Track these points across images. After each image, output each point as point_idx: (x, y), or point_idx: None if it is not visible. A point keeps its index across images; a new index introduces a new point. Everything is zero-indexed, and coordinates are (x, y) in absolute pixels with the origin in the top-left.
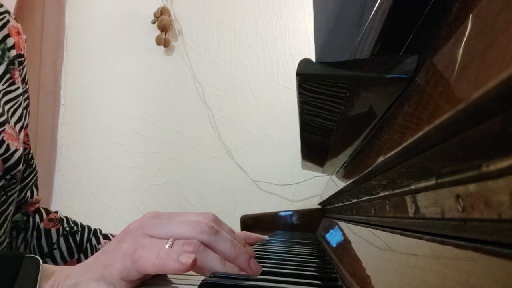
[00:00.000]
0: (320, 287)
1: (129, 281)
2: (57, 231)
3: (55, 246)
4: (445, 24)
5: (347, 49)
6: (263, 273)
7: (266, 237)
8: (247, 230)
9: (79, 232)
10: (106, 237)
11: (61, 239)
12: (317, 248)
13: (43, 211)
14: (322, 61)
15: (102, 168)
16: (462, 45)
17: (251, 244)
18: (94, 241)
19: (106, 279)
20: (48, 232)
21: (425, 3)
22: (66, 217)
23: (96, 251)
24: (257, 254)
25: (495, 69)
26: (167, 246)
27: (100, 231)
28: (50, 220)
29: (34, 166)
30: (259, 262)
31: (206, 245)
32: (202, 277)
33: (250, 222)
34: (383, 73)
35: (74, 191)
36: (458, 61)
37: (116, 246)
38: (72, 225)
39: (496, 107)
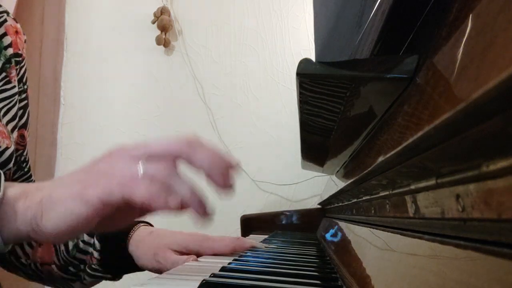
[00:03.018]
0: (320, 287)
1: (108, 204)
2: None
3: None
4: (445, 24)
5: (347, 49)
6: (263, 273)
7: (262, 245)
8: (247, 230)
9: None
10: None
11: None
12: (317, 248)
13: None
14: (322, 61)
15: None
16: (462, 45)
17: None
18: None
19: (83, 198)
20: None
21: (425, 3)
22: None
23: None
24: (257, 254)
25: (495, 69)
26: (141, 167)
27: None
28: None
29: (26, 169)
30: (258, 262)
31: (182, 158)
32: (202, 277)
33: (250, 222)
34: (383, 73)
35: None
36: (458, 61)
37: (95, 166)
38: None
39: (496, 107)
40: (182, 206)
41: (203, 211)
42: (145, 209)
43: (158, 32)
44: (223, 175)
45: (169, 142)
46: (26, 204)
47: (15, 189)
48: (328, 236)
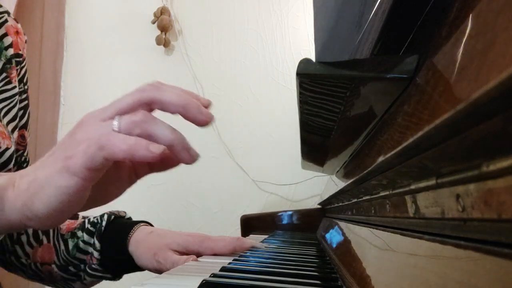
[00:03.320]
0: (320, 287)
1: (94, 169)
2: None
3: (22, 231)
4: (445, 24)
5: (347, 49)
6: (263, 273)
7: (262, 245)
8: (247, 230)
9: None
10: (73, 216)
11: None
12: (317, 248)
13: None
14: (322, 61)
15: None
16: (462, 45)
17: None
18: None
19: (69, 170)
20: None
21: (425, 3)
22: None
23: (58, 231)
24: (257, 254)
25: (495, 69)
26: (115, 122)
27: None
28: None
29: None
30: (258, 262)
31: (152, 103)
32: (202, 277)
33: (250, 222)
34: (383, 73)
35: None
36: (458, 61)
37: (71, 138)
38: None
39: (496, 107)
40: (165, 154)
41: (188, 153)
42: (132, 169)
43: (158, 32)
44: (198, 108)
45: (135, 93)
46: (15, 193)
47: (1, 179)
48: (328, 236)
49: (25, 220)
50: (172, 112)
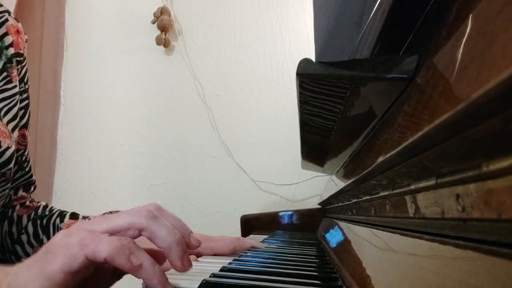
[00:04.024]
0: (320, 287)
1: (72, 272)
2: (28, 216)
3: (23, 230)
4: (445, 24)
5: (347, 49)
6: (263, 273)
7: (262, 245)
8: (247, 230)
9: (48, 216)
10: (73, 216)
11: (30, 223)
12: (317, 248)
13: (28, 203)
14: (322, 61)
15: (102, 168)
16: (462, 45)
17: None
18: (57, 221)
19: (45, 274)
20: (19, 218)
21: (425, 3)
22: (47, 206)
23: (58, 230)
24: (257, 254)
25: (495, 69)
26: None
27: (73, 213)
28: (25, 207)
29: (27, 169)
30: (258, 262)
31: (144, 230)
32: (202, 277)
33: (250, 222)
34: (383, 73)
35: (74, 191)
36: (458, 61)
37: (57, 240)
38: (47, 212)
39: (496, 107)
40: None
41: (181, 262)
42: (115, 271)
43: (158, 32)
44: (180, 254)
45: (132, 216)
46: None
47: None
48: (328, 236)
49: None
50: (158, 247)
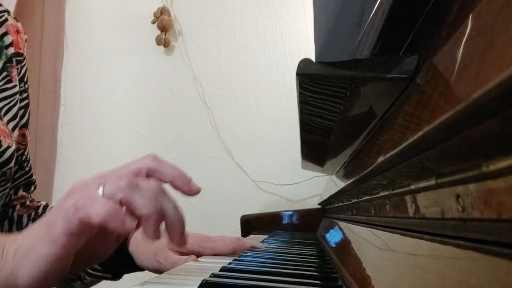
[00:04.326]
0: (320, 287)
1: (73, 233)
2: (28, 216)
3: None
4: (445, 24)
5: (347, 49)
6: (263, 273)
7: (262, 245)
8: (247, 230)
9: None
10: None
11: (30, 223)
12: (317, 248)
13: (29, 203)
14: (322, 61)
15: (102, 168)
16: (462, 45)
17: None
18: None
19: (49, 237)
20: (20, 218)
21: (425, 3)
22: (47, 206)
23: None
24: (257, 254)
25: (495, 69)
26: (100, 188)
27: None
28: (26, 207)
29: (27, 169)
30: (258, 262)
31: (150, 172)
32: (202, 277)
33: (250, 222)
34: (383, 73)
35: None
36: (458, 61)
37: (58, 205)
38: (47, 212)
39: (496, 107)
40: (138, 225)
41: (157, 233)
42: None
43: (158, 32)
44: (187, 183)
45: (133, 164)
46: (3, 259)
47: None
48: (328, 236)
49: None
50: (166, 182)
